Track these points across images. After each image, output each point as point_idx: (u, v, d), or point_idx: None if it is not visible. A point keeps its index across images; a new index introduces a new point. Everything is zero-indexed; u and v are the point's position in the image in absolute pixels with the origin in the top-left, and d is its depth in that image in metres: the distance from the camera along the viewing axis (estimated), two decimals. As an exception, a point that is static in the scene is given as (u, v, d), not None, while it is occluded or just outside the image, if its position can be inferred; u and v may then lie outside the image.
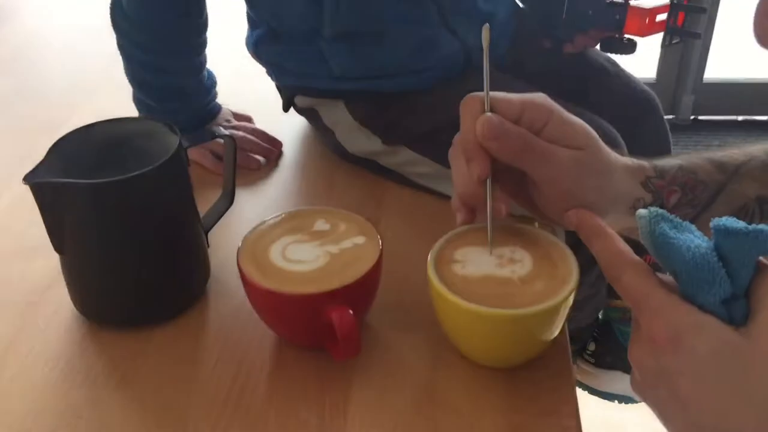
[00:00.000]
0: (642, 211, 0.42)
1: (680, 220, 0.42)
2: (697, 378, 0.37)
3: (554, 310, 0.55)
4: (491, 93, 0.53)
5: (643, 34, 0.87)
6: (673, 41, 0.88)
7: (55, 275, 0.67)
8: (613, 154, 0.55)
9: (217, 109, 0.94)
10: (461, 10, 0.87)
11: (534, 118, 0.53)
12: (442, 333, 0.60)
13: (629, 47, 0.90)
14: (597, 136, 0.54)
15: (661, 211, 0.42)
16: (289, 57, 0.88)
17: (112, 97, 0.96)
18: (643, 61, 2.27)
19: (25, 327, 0.65)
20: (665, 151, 1.03)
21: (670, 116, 2.40)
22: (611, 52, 0.93)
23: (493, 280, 0.56)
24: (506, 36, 0.96)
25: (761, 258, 0.39)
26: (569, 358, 0.61)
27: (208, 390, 0.59)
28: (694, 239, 0.40)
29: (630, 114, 0.98)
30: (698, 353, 0.37)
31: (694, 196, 0.57)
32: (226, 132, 0.71)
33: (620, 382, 1.16)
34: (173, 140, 0.63)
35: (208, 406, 0.57)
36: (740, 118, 2.43)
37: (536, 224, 0.62)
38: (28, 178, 0.57)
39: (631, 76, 1.03)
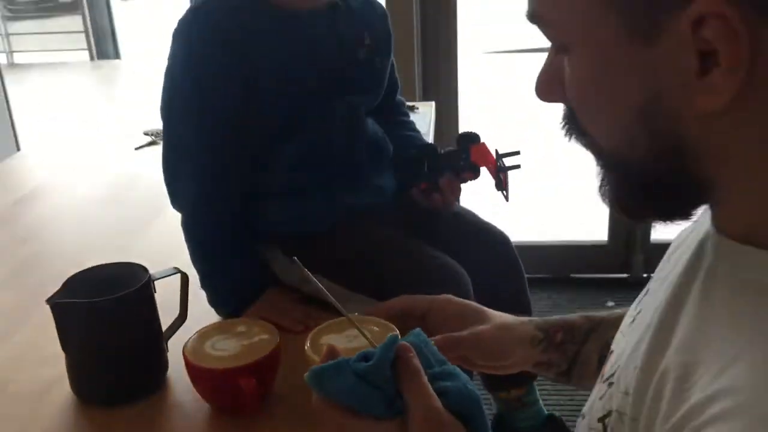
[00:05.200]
0: (307, 375, 0.59)
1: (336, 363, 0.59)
2: None
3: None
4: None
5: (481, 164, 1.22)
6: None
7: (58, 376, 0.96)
8: (503, 315, 0.80)
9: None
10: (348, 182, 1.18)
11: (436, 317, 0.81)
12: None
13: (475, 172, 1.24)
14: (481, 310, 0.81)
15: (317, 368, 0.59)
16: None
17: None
18: (594, 225, 2.45)
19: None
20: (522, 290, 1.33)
21: (625, 275, 2.42)
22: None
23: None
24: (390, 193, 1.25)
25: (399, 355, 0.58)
26: None
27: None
28: (347, 379, 0.58)
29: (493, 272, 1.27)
30: None
31: (573, 335, 0.79)
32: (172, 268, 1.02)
33: None
34: (144, 276, 0.96)
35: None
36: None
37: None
38: (48, 300, 0.90)
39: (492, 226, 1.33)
